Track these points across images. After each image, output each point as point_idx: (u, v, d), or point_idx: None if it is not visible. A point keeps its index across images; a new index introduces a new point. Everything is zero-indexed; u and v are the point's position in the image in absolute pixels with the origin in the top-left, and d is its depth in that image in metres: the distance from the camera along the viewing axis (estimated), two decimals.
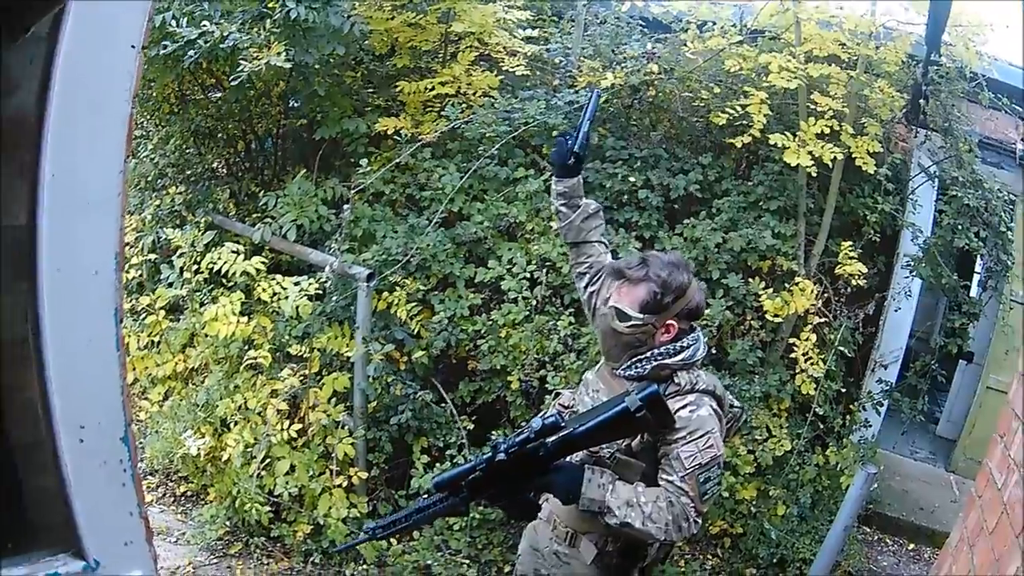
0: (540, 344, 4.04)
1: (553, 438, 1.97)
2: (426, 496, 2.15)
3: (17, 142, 1.17)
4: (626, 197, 4.38)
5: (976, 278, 5.87)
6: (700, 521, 2.02)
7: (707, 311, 4.30)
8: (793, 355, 4.50)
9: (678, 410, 2.03)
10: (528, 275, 4.06)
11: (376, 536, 2.18)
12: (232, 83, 4.25)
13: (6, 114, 1.19)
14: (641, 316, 2.07)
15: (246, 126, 4.85)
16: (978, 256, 5.57)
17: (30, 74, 1.11)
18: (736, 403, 2.30)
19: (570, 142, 2.41)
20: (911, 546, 5.27)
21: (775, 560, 4.46)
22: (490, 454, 1.97)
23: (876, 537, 5.32)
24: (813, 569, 4.38)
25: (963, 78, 4.91)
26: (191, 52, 4.24)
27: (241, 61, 4.15)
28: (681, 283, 2.08)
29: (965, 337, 5.10)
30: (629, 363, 2.14)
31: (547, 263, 4.10)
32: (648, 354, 2.11)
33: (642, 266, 2.09)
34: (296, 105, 4.78)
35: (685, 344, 2.10)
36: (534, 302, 4.05)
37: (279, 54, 4.08)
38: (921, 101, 4.90)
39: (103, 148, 1.12)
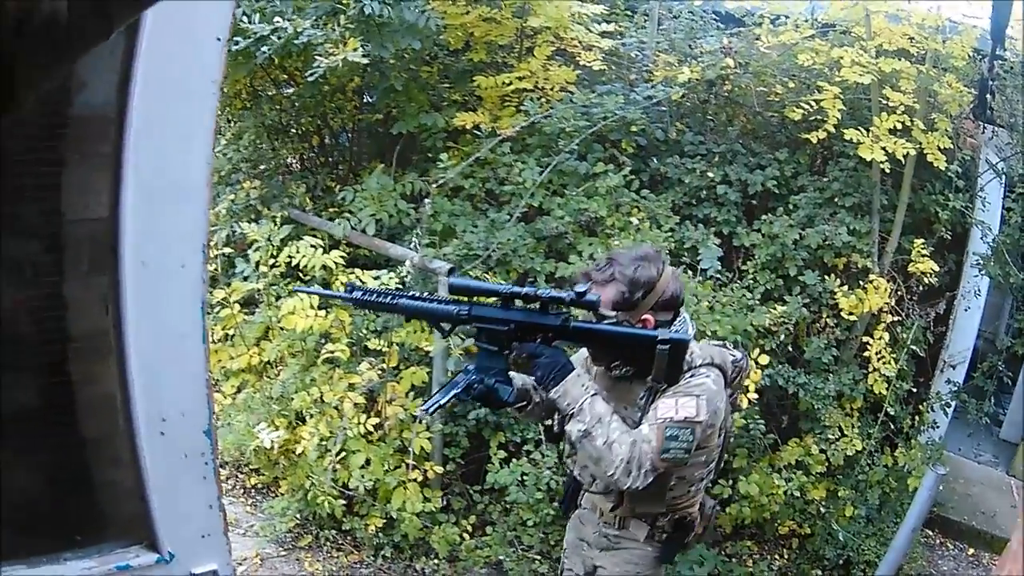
0: None
1: (580, 318, 2.05)
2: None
3: (91, 136, 1.17)
4: (704, 193, 4.37)
5: None
6: (650, 478, 2.02)
7: (784, 308, 4.27)
8: (866, 354, 4.49)
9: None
10: None
11: (355, 301, 2.13)
12: (308, 79, 4.25)
13: (77, 111, 1.18)
14: (614, 315, 2.08)
15: (320, 121, 4.87)
16: None
17: (105, 68, 1.10)
18: (736, 353, 2.29)
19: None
20: (971, 551, 5.21)
21: (841, 562, 4.45)
22: (519, 289, 1.99)
23: (938, 541, 5.27)
24: (880, 571, 4.36)
25: None
26: (264, 48, 4.24)
27: (316, 57, 4.16)
28: (649, 277, 2.09)
29: None
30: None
31: None
32: None
33: (608, 266, 2.10)
34: (371, 100, 4.77)
35: (672, 331, 2.10)
36: None
37: (355, 50, 4.07)
38: (987, 96, 4.85)
39: (191, 139, 1.12)
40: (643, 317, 2.09)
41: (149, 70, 1.06)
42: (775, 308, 4.22)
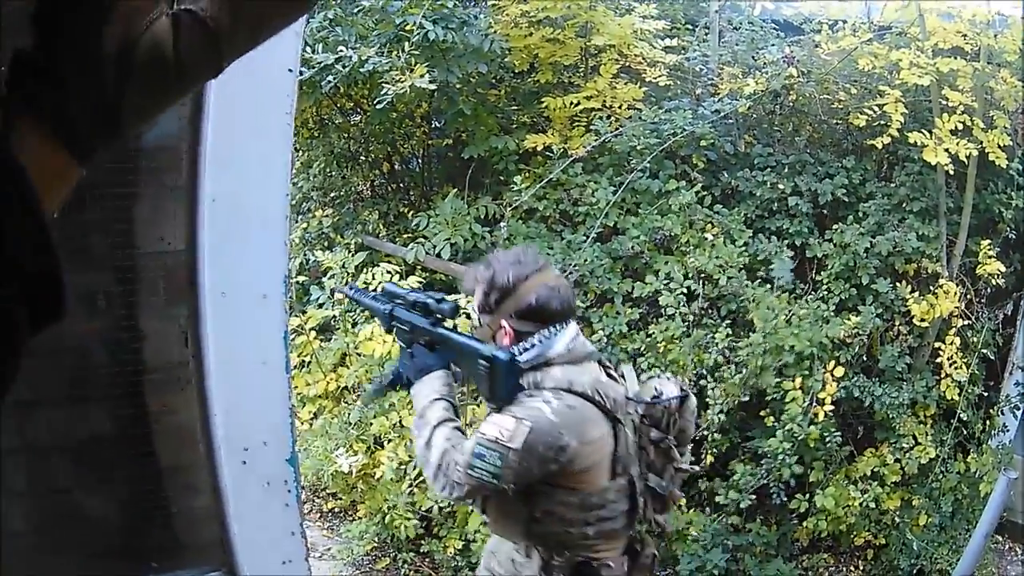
0: (699, 357, 4.04)
1: (437, 325, 2.02)
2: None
3: (162, 168, 1.19)
4: (776, 205, 4.40)
5: None
6: (460, 492, 1.93)
7: (858, 319, 4.26)
8: (938, 360, 4.50)
9: None
10: (685, 288, 4.06)
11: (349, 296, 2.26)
12: (376, 106, 4.29)
13: (148, 144, 1.19)
14: (479, 318, 2.03)
15: (390, 148, 4.92)
16: None
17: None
18: (665, 388, 2.09)
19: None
20: None
21: (915, 572, 4.46)
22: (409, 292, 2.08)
23: (1007, 546, 5.21)
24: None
25: None
26: (329, 77, 4.29)
27: (383, 84, 4.19)
28: (507, 281, 1.95)
29: None
30: None
31: (703, 275, 4.09)
32: None
33: (484, 267, 2.02)
34: (440, 125, 4.81)
35: (527, 345, 1.96)
36: (691, 317, 4.04)
37: (422, 76, 4.11)
38: None
39: (267, 170, 1.14)
40: (501, 324, 1.97)
41: (221, 102, 1.07)
42: (849, 319, 4.24)
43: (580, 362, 2.00)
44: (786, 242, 4.32)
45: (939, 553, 4.46)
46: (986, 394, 4.77)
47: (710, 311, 4.18)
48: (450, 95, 4.39)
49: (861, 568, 4.66)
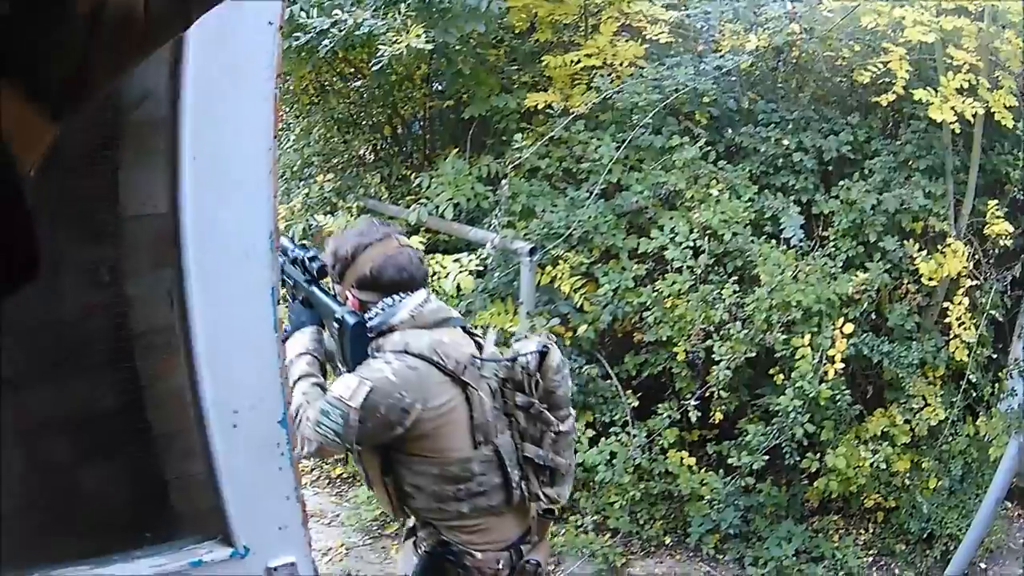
0: (706, 314, 4.00)
1: (311, 283, 2.08)
2: None
3: (146, 131, 1.15)
4: (780, 161, 4.35)
5: None
6: (311, 448, 1.90)
7: (866, 275, 4.21)
8: (947, 320, 4.44)
9: None
10: (691, 244, 4.02)
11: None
12: (373, 69, 4.25)
13: (128, 107, 1.15)
14: (334, 288, 2.08)
15: (391, 111, 4.89)
16: None
17: (155, 60, 1.06)
18: (526, 347, 2.04)
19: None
20: None
21: (925, 536, 4.41)
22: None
23: (1016, 513, 5.15)
24: (966, 542, 4.29)
25: None
26: (325, 41, 4.24)
27: (379, 47, 4.15)
28: (345, 253, 1.99)
29: None
30: None
31: (709, 231, 4.05)
32: None
33: (332, 240, 2.11)
34: (441, 87, 4.78)
35: (372, 314, 1.99)
36: (698, 271, 4.00)
37: (419, 36, 4.06)
38: None
39: (249, 126, 1.09)
40: (346, 294, 2.02)
41: (200, 59, 1.03)
42: (857, 275, 4.19)
43: (431, 327, 1.99)
44: (792, 198, 4.26)
45: (948, 517, 4.42)
46: (995, 356, 4.70)
47: (716, 267, 4.11)
48: (449, 56, 4.35)
49: (871, 531, 4.60)
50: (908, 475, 4.41)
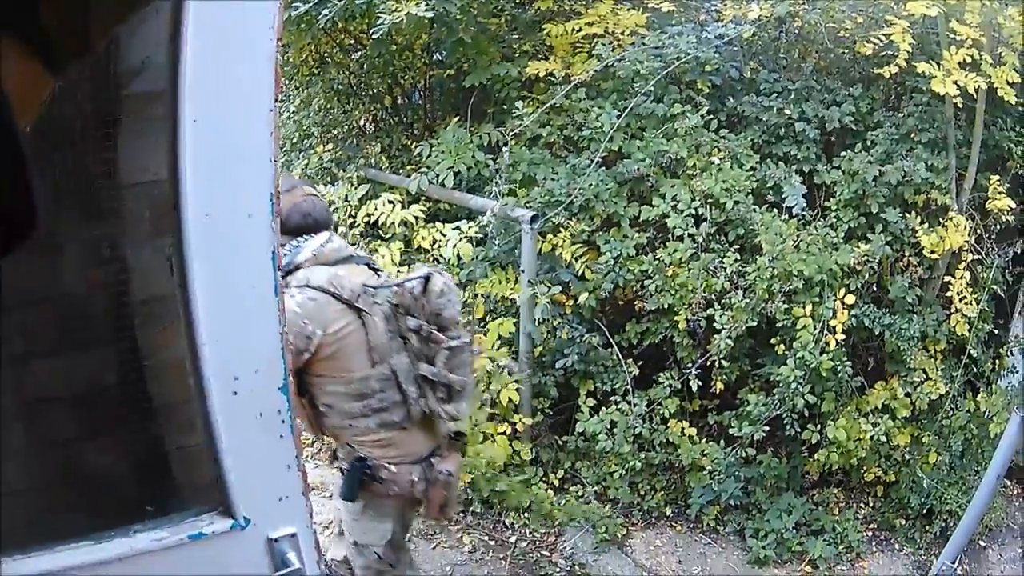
0: (707, 282, 3.98)
1: None
2: None
3: (146, 97, 1.14)
4: (783, 130, 4.34)
5: None
6: None
7: (868, 247, 4.20)
8: (948, 294, 4.43)
9: None
10: (693, 212, 4.00)
11: None
12: (373, 38, 4.22)
13: (128, 74, 1.14)
14: None
15: (391, 81, 4.86)
16: None
17: (155, 26, 1.05)
18: (414, 274, 2.27)
19: None
20: None
21: (924, 511, 4.41)
22: None
23: (1016, 491, 5.12)
24: (965, 520, 4.26)
25: None
26: (325, 11, 4.22)
27: (379, 15, 4.12)
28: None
29: None
30: None
31: (710, 199, 4.03)
32: None
33: None
34: (441, 57, 4.75)
35: (282, 254, 2.21)
36: (700, 239, 3.98)
37: (419, 4, 4.04)
38: None
39: (250, 88, 1.06)
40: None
41: (200, 20, 1.01)
42: (858, 247, 4.17)
43: (332, 264, 2.22)
44: (794, 168, 4.24)
45: (949, 493, 4.40)
46: (996, 332, 4.71)
47: (718, 236, 4.09)
48: (449, 24, 4.32)
49: (871, 505, 4.59)
50: (908, 449, 4.39)
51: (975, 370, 4.57)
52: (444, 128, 4.39)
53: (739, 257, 4.02)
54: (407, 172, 4.42)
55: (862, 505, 4.62)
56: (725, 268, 3.96)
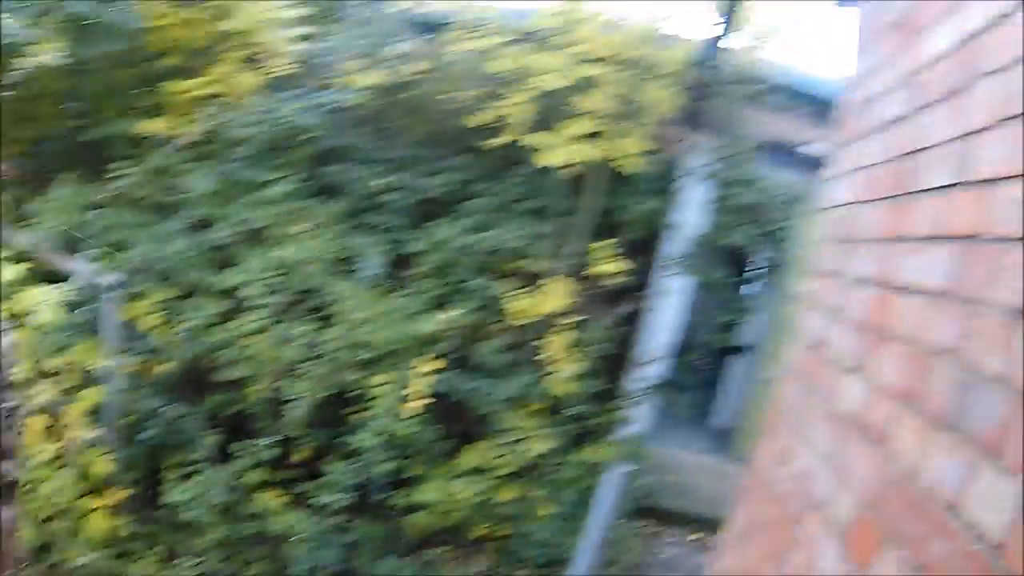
0: (278, 353, 4.07)
1: None
2: None
3: None
4: (374, 200, 4.44)
5: (751, 275, 5.94)
6: None
7: (452, 314, 4.27)
8: (543, 356, 4.54)
9: None
10: (267, 282, 4.10)
11: None
12: (9, 83, 4.21)
13: None
14: None
15: (32, 129, 4.71)
16: (751, 254, 5.61)
17: None
18: None
19: None
20: (694, 536, 5.33)
21: (545, 561, 4.52)
22: None
23: (656, 530, 5.37)
24: (575, 567, 4.52)
25: (745, 81, 4.92)
26: None
27: (23, 59, 4.12)
28: None
29: (735, 332, 5.25)
30: None
31: (287, 269, 4.13)
32: None
33: None
34: (71, 106, 4.71)
35: None
36: (273, 309, 4.09)
37: (58, 52, 4.04)
38: (699, 103, 4.90)
39: None
40: None
41: None
42: (442, 315, 4.27)
43: None
44: (386, 237, 4.35)
45: (569, 542, 4.54)
46: (610, 388, 4.84)
47: (295, 306, 4.18)
48: (85, 73, 4.29)
49: (488, 560, 4.69)
50: (514, 505, 4.48)
51: (583, 425, 4.69)
52: (61, 183, 4.37)
53: (314, 327, 4.11)
54: (24, 226, 4.32)
55: (478, 561, 4.71)
56: (298, 338, 4.06)
